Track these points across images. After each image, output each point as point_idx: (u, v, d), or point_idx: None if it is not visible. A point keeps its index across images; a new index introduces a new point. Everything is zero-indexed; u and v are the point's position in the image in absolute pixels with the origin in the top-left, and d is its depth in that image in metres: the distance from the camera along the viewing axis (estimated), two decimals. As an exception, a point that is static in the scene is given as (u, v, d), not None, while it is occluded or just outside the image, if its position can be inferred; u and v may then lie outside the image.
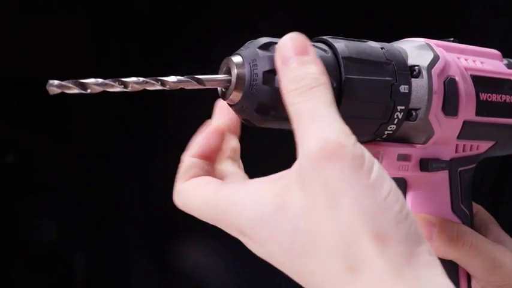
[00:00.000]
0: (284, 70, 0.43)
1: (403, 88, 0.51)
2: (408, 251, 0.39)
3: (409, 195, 0.55)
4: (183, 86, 0.46)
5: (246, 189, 0.44)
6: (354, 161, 0.40)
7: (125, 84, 0.45)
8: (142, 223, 1.37)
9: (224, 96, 0.48)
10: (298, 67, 0.43)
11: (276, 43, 0.46)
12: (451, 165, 0.56)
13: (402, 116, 0.51)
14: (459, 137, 0.55)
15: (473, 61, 0.57)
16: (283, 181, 0.43)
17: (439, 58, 0.53)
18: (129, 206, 1.37)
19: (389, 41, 0.54)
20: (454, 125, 0.54)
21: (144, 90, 0.46)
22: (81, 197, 1.35)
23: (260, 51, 0.46)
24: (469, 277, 0.57)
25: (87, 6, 1.27)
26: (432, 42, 0.55)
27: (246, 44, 0.47)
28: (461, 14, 1.25)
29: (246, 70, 0.46)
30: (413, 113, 0.52)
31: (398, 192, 0.41)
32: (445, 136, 0.54)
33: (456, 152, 0.56)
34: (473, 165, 0.58)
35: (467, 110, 0.55)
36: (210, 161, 0.48)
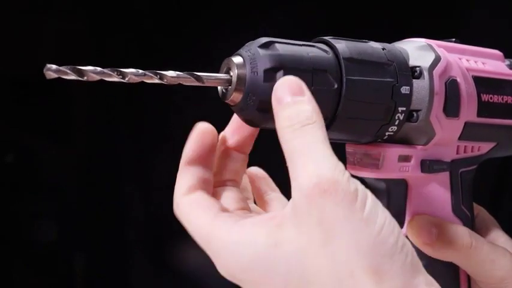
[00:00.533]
0: (279, 109, 0.44)
1: (404, 89, 0.51)
2: (404, 284, 0.39)
3: (410, 196, 0.55)
4: (181, 82, 0.46)
5: (238, 231, 0.43)
6: (348, 196, 0.40)
7: (123, 75, 0.45)
8: (142, 223, 1.37)
9: (225, 97, 0.47)
10: (293, 106, 0.43)
11: (276, 42, 0.46)
12: (452, 166, 0.56)
13: (403, 117, 0.51)
14: (460, 138, 0.55)
15: (475, 62, 0.57)
16: (277, 220, 0.42)
17: (440, 59, 0.53)
18: (129, 206, 1.37)
19: (390, 42, 0.54)
20: (455, 126, 0.54)
21: (142, 82, 0.46)
22: (81, 197, 1.34)
23: (260, 50, 0.46)
24: (469, 279, 0.57)
25: (87, 6, 1.27)
26: (433, 42, 0.55)
27: (246, 45, 0.47)
28: (462, 14, 1.24)
29: (246, 70, 0.46)
30: (415, 114, 0.52)
31: (392, 222, 0.41)
32: (446, 137, 0.54)
33: (457, 153, 0.56)
34: (475, 167, 0.58)
35: (468, 111, 0.55)
36: (205, 163, 0.48)
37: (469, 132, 0.55)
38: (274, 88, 0.45)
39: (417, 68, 0.52)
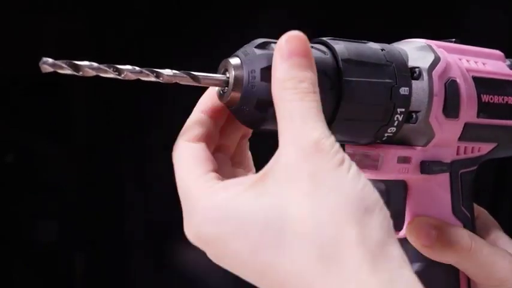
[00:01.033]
0: (283, 64, 0.44)
1: (403, 90, 0.51)
2: (382, 240, 0.40)
3: (410, 197, 0.55)
4: (177, 81, 0.46)
5: (219, 189, 0.44)
6: (339, 158, 0.42)
7: (119, 71, 0.45)
8: (143, 223, 1.37)
9: (222, 98, 0.47)
10: (299, 68, 0.44)
11: (272, 42, 0.46)
12: (452, 167, 0.55)
13: (402, 118, 0.51)
14: (460, 139, 0.55)
15: (475, 62, 0.57)
16: (257, 176, 0.43)
17: (440, 59, 0.53)
18: (129, 206, 1.37)
19: (389, 42, 0.54)
20: (455, 127, 0.54)
21: (138, 80, 0.46)
22: (81, 197, 1.35)
23: (257, 50, 0.46)
24: (469, 281, 0.57)
25: (87, 6, 1.27)
26: (433, 43, 0.54)
27: (243, 46, 0.47)
28: (462, 14, 1.24)
29: (244, 70, 0.46)
30: (414, 115, 0.52)
31: (372, 186, 0.42)
32: (446, 138, 0.54)
33: (457, 154, 0.56)
34: (475, 168, 0.57)
35: (468, 112, 0.54)
36: (217, 118, 0.48)
37: (469, 133, 0.55)
38: (280, 39, 0.44)
39: (416, 69, 0.52)
